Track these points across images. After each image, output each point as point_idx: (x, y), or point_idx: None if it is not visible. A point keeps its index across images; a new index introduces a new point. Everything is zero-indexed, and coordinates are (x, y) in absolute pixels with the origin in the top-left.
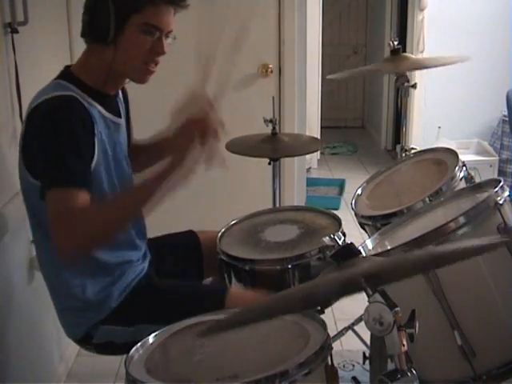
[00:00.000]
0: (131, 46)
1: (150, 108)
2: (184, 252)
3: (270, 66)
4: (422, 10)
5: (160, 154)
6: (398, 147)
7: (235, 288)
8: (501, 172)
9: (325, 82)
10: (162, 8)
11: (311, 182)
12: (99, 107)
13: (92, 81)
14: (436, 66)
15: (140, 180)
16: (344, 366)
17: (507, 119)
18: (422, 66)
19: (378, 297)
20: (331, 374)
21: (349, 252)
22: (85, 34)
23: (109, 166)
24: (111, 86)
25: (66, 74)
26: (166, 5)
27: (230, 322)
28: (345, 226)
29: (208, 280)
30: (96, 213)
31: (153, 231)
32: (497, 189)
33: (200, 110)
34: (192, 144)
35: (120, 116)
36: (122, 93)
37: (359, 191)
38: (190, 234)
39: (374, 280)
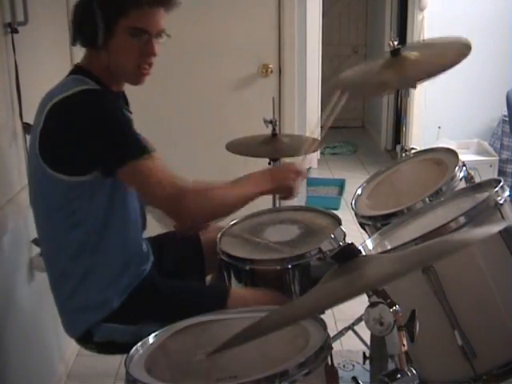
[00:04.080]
0: (122, 50)
1: (151, 108)
2: (185, 251)
3: (270, 66)
4: (421, 9)
5: None
6: (398, 147)
7: (236, 288)
8: (501, 172)
9: (325, 81)
10: (148, 10)
11: (311, 182)
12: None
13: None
14: (438, 71)
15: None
16: (344, 366)
17: (507, 119)
18: (422, 68)
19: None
20: (331, 374)
21: (349, 252)
22: (75, 41)
23: None
24: (114, 84)
25: (79, 70)
26: (152, 7)
27: (236, 341)
28: (345, 226)
29: (207, 278)
30: (198, 189)
31: (153, 231)
32: (497, 189)
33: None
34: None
35: (130, 112)
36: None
37: (359, 191)
38: (192, 233)
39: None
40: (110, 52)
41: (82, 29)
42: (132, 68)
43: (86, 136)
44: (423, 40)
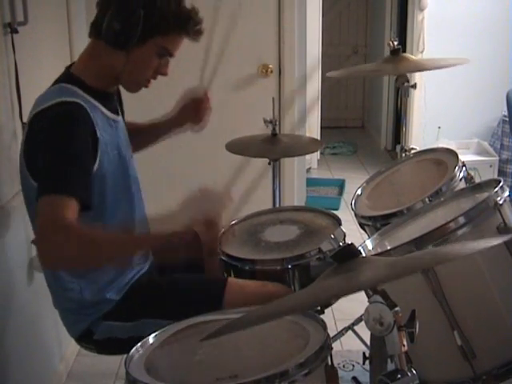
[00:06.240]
0: (142, 62)
1: (151, 108)
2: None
3: (270, 66)
4: (422, 10)
5: (156, 136)
6: (398, 147)
7: (234, 279)
8: (501, 172)
9: (325, 81)
10: (183, 38)
11: (311, 182)
12: (101, 107)
13: (93, 81)
14: (435, 69)
15: (138, 232)
16: (344, 366)
17: (507, 119)
18: (421, 67)
19: (378, 297)
20: (331, 374)
21: (349, 253)
22: (99, 33)
23: (112, 165)
24: (112, 85)
25: (68, 76)
26: (191, 38)
27: (231, 327)
28: (345, 226)
29: None
30: (85, 232)
31: None
32: (497, 189)
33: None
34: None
35: (118, 113)
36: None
37: (359, 191)
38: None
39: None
40: (130, 58)
41: (115, 24)
42: (142, 80)
43: (39, 152)
44: None
